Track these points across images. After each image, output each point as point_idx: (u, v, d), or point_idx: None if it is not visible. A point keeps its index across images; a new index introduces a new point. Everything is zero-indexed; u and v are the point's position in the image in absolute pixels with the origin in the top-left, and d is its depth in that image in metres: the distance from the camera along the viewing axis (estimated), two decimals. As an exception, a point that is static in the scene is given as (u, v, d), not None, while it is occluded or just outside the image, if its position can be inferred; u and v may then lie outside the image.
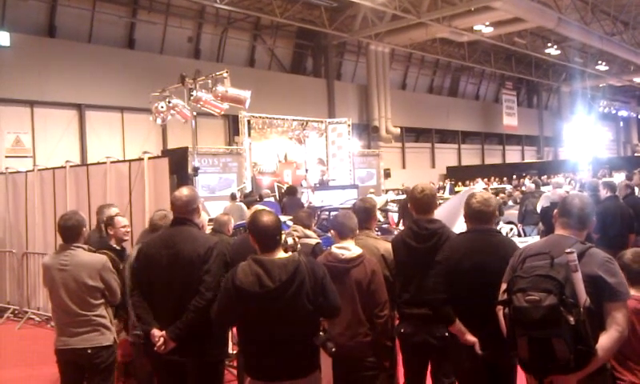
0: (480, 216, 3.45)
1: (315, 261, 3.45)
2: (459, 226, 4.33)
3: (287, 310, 3.02)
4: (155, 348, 3.52)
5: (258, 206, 5.23)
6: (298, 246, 4.17)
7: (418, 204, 3.94)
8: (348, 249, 3.68)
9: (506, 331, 2.84)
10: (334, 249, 3.72)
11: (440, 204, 5.53)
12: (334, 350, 3.14)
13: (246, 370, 3.18)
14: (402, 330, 3.89)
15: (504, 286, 2.93)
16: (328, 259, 3.71)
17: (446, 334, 3.56)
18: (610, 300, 2.69)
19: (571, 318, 2.55)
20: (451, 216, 4.98)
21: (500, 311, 2.91)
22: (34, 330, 8.37)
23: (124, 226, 5.18)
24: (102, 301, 4.14)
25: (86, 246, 4.22)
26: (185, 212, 3.72)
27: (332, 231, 3.92)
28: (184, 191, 3.80)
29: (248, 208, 10.14)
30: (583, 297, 2.60)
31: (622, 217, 7.05)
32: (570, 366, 2.59)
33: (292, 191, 13.56)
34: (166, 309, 3.56)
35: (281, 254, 3.16)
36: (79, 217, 4.22)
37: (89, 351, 4.02)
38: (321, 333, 3.16)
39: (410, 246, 3.84)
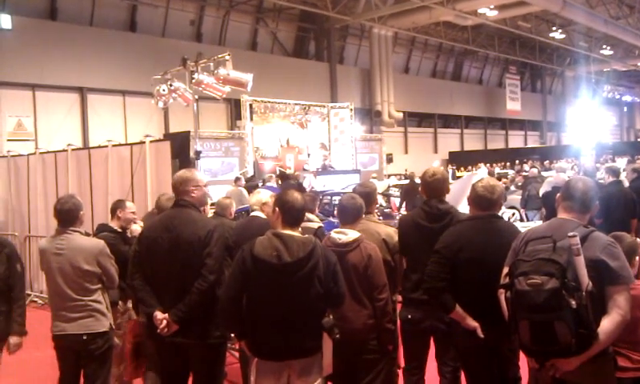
0: (481, 202, 3.43)
1: (327, 247, 3.48)
2: (462, 209, 4.32)
3: (299, 288, 3.06)
4: (158, 330, 3.53)
5: (261, 190, 5.23)
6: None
7: (430, 188, 3.94)
8: (345, 233, 3.71)
9: (507, 315, 2.84)
10: (333, 233, 3.74)
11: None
12: (337, 336, 3.17)
13: (253, 351, 3.19)
14: (410, 316, 3.86)
15: (506, 270, 2.92)
16: (326, 244, 3.72)
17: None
18: (612, 284, 2.68)
19: (573, 302, 2.54)
20: (454, 201, 4.96)
21: (502, 295, 2.91)
22: (37, 313, 8.39)
23: (133, 212, 5.16)
24: (98, 286, 4.07)
25: (83, 230, 4.17)
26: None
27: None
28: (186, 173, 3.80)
29: (249, 193, 10.15)
30: (585, 281, 2.59)
31: (625, 202, 7.03)
32: (572, 350, 2.59)
33: (284, 177, 13.74)
34: (168, 292, 3.58)
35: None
36: (76, 200, 4.15)
37: (84, 337, 3.96)
38: (330, 317, 3.20)
39: (422, 226, 3.84)
